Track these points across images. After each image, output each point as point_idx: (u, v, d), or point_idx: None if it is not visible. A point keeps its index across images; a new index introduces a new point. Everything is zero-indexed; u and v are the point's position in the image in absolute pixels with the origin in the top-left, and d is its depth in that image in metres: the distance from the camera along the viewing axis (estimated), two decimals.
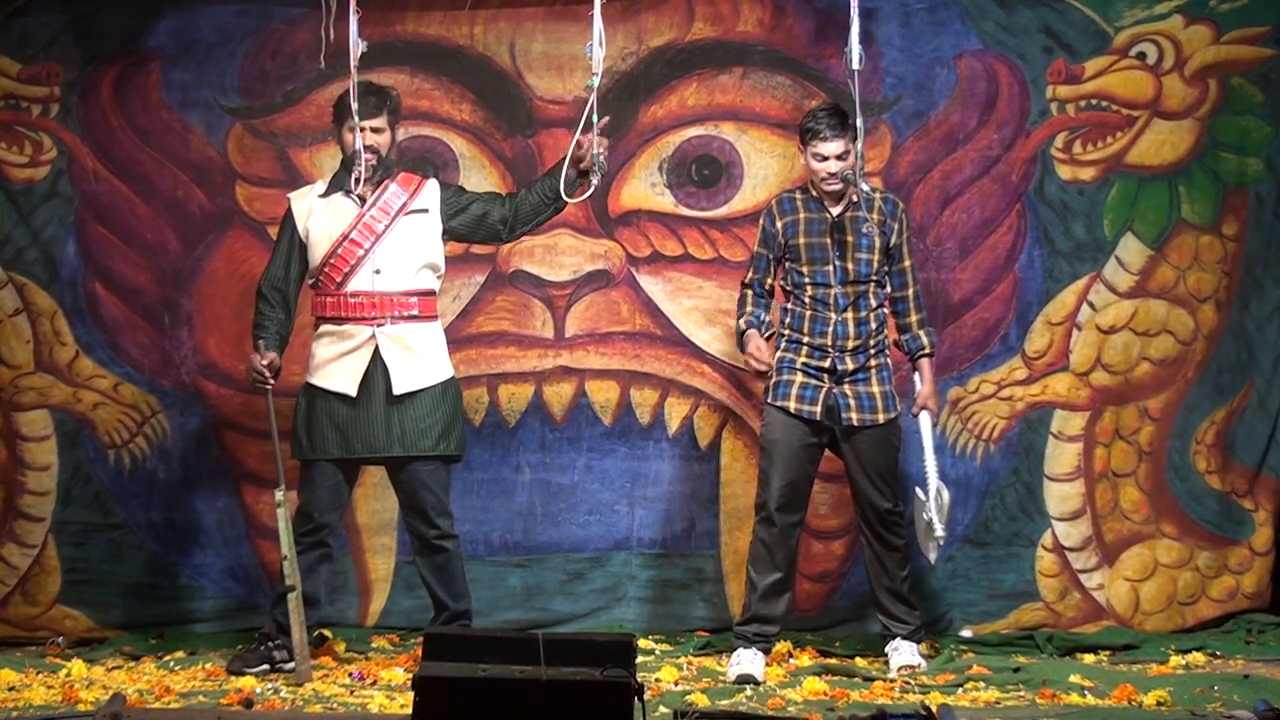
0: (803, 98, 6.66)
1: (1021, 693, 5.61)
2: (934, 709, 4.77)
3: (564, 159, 5.85)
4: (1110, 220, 6.74)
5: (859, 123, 5.86)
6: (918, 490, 6.16)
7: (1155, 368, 6.76)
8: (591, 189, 5.87)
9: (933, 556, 6.19)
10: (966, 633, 6.64)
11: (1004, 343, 6.76)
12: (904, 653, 6.03)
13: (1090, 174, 6.73)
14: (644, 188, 6.78)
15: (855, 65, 5.85)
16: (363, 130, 5.90)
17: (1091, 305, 6.75)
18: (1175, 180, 6.74)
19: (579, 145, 5.83)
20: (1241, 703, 5.28)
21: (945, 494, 6.11)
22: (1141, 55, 6.70)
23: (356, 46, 5.76)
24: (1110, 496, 6.74)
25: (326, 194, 6.04)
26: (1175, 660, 6.20)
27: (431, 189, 6.08)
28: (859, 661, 6.17)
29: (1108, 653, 6.39)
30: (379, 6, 6.39)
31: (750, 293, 6.17)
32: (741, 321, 6.15)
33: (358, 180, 5.90)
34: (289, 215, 6.07)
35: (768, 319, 6.13)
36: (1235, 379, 6.78)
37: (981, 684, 5.69)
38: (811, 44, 6.73)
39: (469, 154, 6.76)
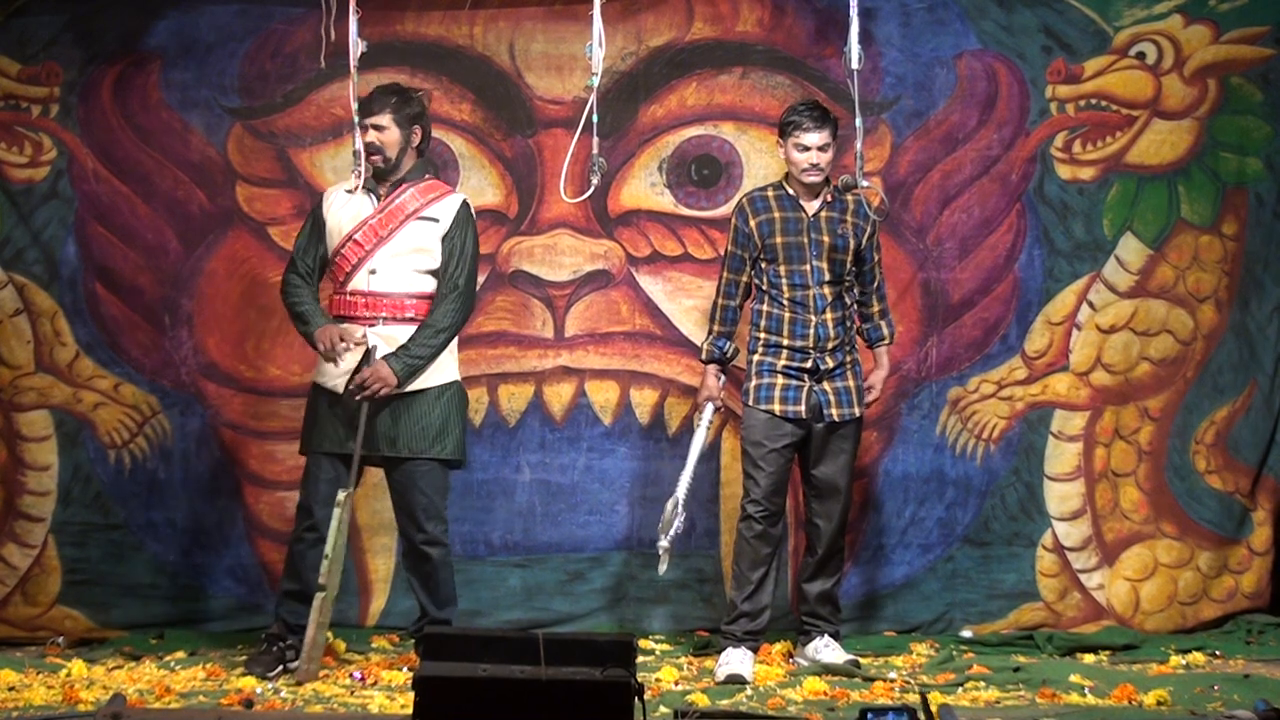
0: (802, 97, 6.65)
1: (1021, 693, 5.61)
2: (933, 708, 4.76)
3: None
4: (1110, 220, 6.75)
5: (859, 122, 5.85)
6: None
7: (1155, 367, 6.76)
8: (592, 189, 5.87)
9: (663, 568, 6.07)
10: (966, 633, 6.63)
11: (1004, 342, 6.76)
12: (831, 651, 6.04)
13: (1090, 174, 6.73)
14: (644, 188, 6.78)
15: (855, 65, 5.83)
16: (364, 128, 5.91)
17: (1091, 305, 6.75)
18: (1175, 180, 6.75)
19: None
20: (1241, 703, 5.28)
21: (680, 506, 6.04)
22: (1141, 55, 6.70)
23: (356, 46, 5.76)
24: (1110, 496, 6.74)
25: (354, 190, 6.03)
26: (1175, 660, 6.20)
27: (450, 203, 6.00)
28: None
29: (1108, 653, 6.39)
30: (379, 6, 6.39)
31: (721, 303, 6.15)
32: (705, 349, 6.16)
33: (357, 179, 5.91)
34: (319, 204, 6.07)
35: (732, 346, 6.14)
36: (1235, 379, 6.79)
37: (981, 684, 5.69)
38: (811, 44, 6.73)
39: (469, 154, 6.76)
